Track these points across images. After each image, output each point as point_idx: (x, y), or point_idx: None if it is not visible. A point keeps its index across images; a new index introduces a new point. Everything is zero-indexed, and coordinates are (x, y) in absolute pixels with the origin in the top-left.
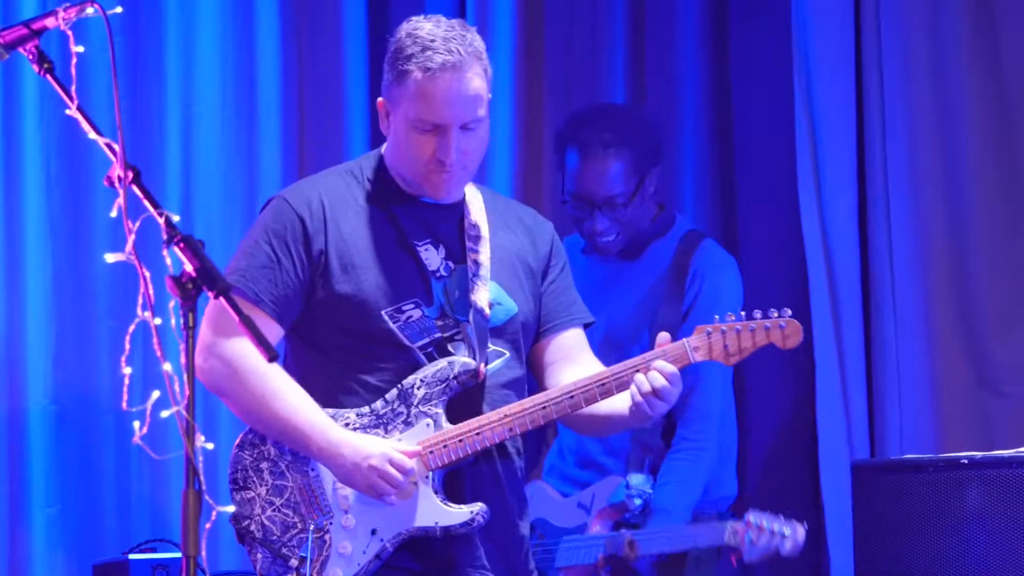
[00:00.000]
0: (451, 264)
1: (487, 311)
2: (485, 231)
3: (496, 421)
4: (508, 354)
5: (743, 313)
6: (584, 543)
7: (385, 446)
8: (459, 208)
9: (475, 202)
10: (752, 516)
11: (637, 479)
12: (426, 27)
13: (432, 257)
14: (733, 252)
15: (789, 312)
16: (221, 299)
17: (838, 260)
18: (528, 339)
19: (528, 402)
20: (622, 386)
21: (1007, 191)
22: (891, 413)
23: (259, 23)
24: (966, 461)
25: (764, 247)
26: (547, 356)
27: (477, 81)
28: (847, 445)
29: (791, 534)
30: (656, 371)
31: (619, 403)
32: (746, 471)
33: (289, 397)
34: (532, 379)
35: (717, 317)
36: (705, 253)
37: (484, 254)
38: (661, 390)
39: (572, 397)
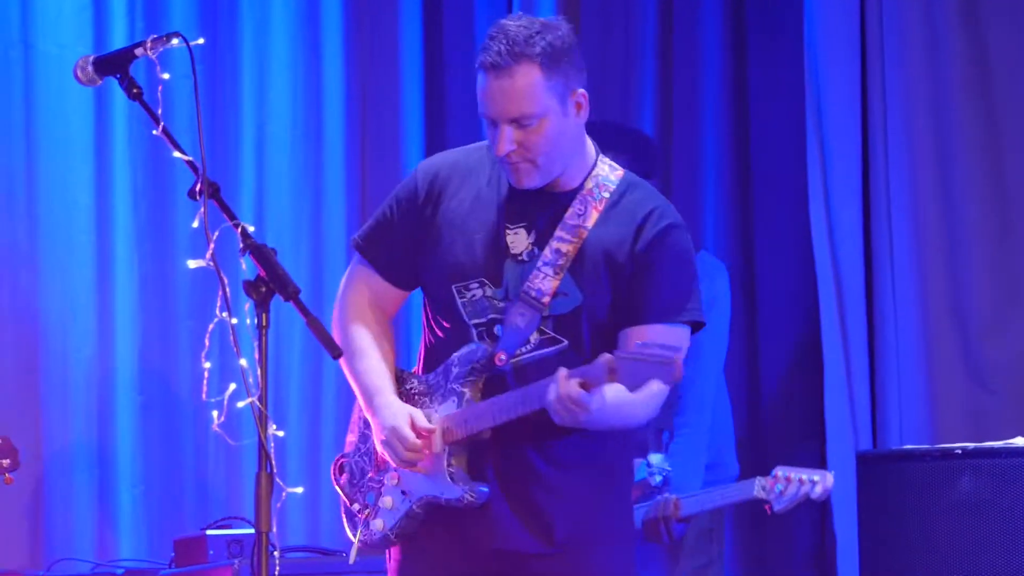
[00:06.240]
0: (536, 250)
1: (545, 299)
2: (590, 221)
3: (488, 407)
4: (565, 343)
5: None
6: None
7: (401, 419)
8: (569, 196)
9: (599, 190)
10: (779, 470)
11: (656, 458)
12: (501, 25)
13: (519, 241)
14: (749, 261)
15: (675, 350)
16: (291, 301)
17: (844, 268)
18: (599, 330)
19: (511, 393)
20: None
21: (997, 206)
22: (892, 407)
23: (325, 53)
24: (960, 451)
25: (778, 256)
26: (623, 348)
27: (525, 82)
28: (852, 436)
29: (821, 479)
30: (564, 389)
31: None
32: (761, 461)
33: (364, 359)
34: None
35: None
36: (700, 264)
37: (570, 244)
38: (566, 405)
39: (528, 395)
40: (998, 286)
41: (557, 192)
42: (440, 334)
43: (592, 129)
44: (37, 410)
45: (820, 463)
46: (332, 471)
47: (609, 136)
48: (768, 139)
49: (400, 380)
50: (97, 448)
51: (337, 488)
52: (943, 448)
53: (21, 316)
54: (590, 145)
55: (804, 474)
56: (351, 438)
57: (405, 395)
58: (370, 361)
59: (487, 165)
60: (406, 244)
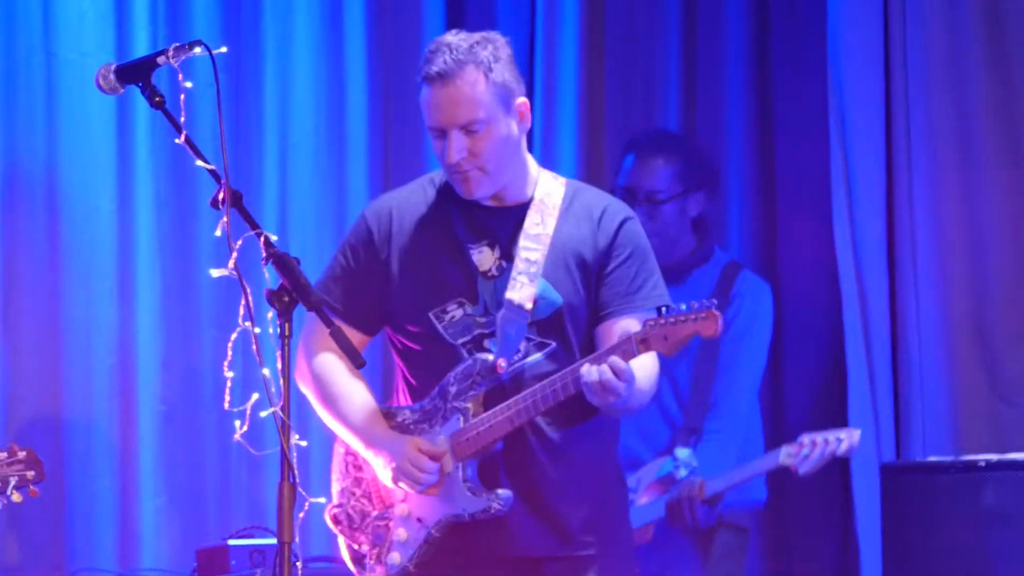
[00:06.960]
0: (504, 264)
1: (527, 306)
2: (550, 227)
3: (502, 413)
4: (554, 345)
5: (681, 306)
6: (635, 511)
7: (410, 448)
8: (522, 208)
9: (549, 199)
10: (805, 436)
11: (684, 452)
12: (439, 41)
13: (485, 258)
14: (773, 274)
15: (712, 303)
16: (314, 311)
17: (868, 281)
18: (581, 327)
19: (528, 392)
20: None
21: (1022, 219)
22: (915, 419)
23: (348, 60)
24: (983, 463)
25: (802, 270)
26: (598, 342)
27: (471, 87)
28: (876, 448)
29: (848, 436)
30: (607, 365)
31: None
32: (784, 473)
33: (346, 401)
34: None
35: (662, 309)
36: (745, 280)
37: (538, 251)
38: (606, 382)
39: (553, 389)
40: (1022, 299)
41: (510, 206)
42: (423, 364)
43: (649, 136)
44: (59, 419)
45: (844, 474)
46: (329, 522)
47: (664, 143)
48: (792, 153)
49: (388, 416)
50: (120, 458)
51: (340, 535)
52: (966, 460)
53: (43, 325)
54: (531, 157)
55: (830, 435)
56: (339, 487)
57: (398, 428)
58: (354, 402)
59: (432, 196)
60: (367, 287)
